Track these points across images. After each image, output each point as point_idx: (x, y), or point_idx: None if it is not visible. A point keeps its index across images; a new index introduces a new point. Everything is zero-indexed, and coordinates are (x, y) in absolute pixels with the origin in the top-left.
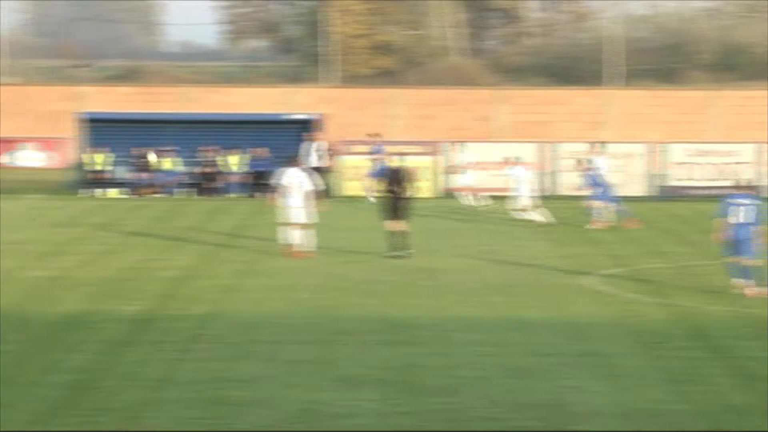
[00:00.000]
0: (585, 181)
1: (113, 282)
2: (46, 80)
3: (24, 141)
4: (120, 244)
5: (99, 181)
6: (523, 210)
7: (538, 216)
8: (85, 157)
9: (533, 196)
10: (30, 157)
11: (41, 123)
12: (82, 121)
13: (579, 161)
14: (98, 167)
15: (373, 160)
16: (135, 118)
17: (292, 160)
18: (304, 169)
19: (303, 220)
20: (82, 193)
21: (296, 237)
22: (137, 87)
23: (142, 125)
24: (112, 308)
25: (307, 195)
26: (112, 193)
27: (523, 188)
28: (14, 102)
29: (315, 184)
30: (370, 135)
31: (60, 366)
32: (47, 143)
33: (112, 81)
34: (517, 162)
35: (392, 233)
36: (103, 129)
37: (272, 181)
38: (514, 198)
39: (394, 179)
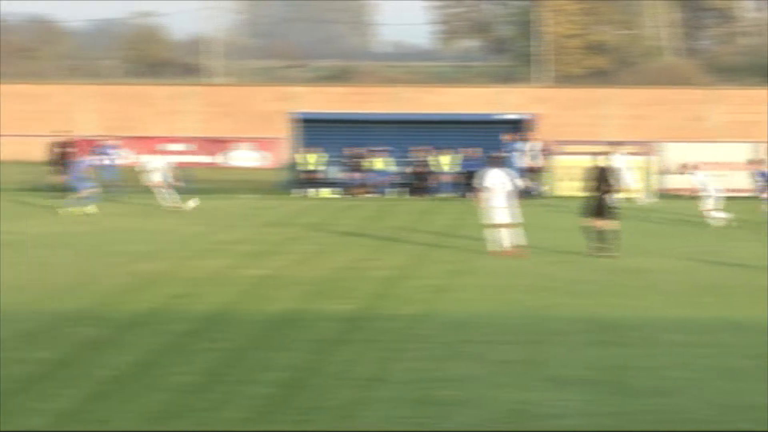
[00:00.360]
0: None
1: (325, 281)
2: (260, 81)
3: (238, 141)
4: (332, 243)
5: (312, 181)
6: (713, 210)
7: (721, 216)
8: (298, 157)
9: (717, 197)
10: (244, 157)
11: (255, 123)
12: (295, 121)
13: (752, 161)
14: (311, 167)
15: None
16: (347, 118)
17: (493, 161)
18: (505, 170)
19: (507, 220)
20: (295, 193)
21: (504, 237)
22: (349, 87)
23: (354, 125)
24: (324, 307)
25: (509, 195)
26: (325, 192)
27: (709, 190)
28: (228, 102)
29: (516, 184)
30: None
31: (272, 364)
32: (261, 143)
33: (324, 81)
34: (697, 166)
35: (596, 232)
36: (315, 129)
37: (475, 183)
38: (706, 199)
39: (601, 178)
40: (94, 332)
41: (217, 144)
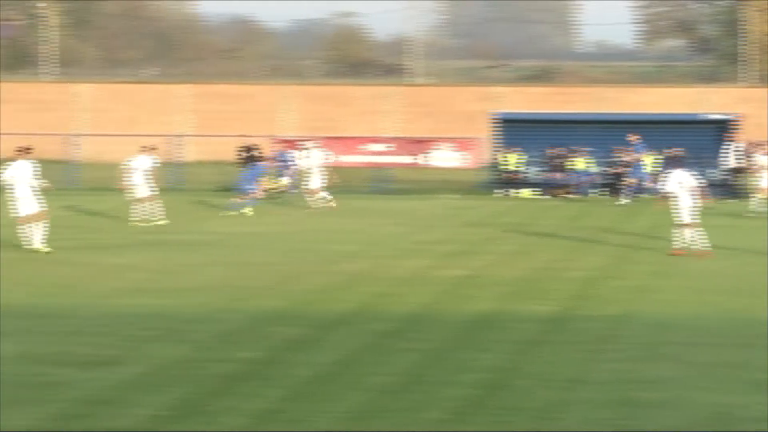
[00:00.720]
0: None
1: (524, 282)
2: (461, 81)
3: (438, 141)
4: (531, 243)
5: (512, 181)
6: None
7: None
8: (499, 158)
9: None
10: (444, 158)
11: (455, 123)
12: (497, 121)
13: None
14: (512, 167)
15: None
16: (548, 118)
17: (675, 161)
18: (687, 169)
19: (692, 219)
20: (497, 193)
21: (689, 237)
22: (551, 87)
23: (555, 125)
24: (523, 308)
25: (693, 194)
26: (525, 193)
27: None
28: (429, 103)
29: (699, 183)
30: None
31: (471, 365)
32: (461, 143)
33: (526, 81)
34: None
35: None
36: (516, 129)
37: (658, 184)
38: None
39: None
40: (294, 332)
41: (418, 144)
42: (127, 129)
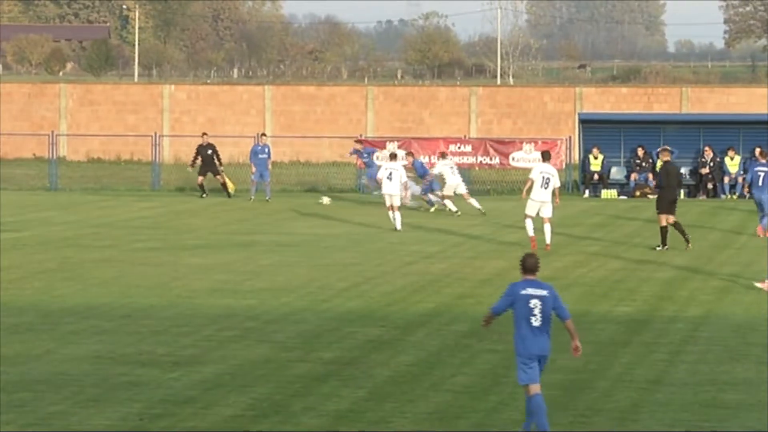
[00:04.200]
0: None
1: (607, 282)
2: (545, 81)
3: (522, 142)
4: (615, 244)
5: (597, 181)
6: None
7: None
8: (584, 158)
9: None
10: (529, 158)
11: (540, 124)
12: (581, 121)
13: None
14: (596, 168)
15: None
16: (632, 118)
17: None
18: None
19: None
20: (581, 193)
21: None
22: (636, 87)
23: (640, 126)
24: (604, 309)
25: None
26: (610, 193)
27: None
28: (513, 103)
29: None
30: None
31: (553, 366)
32: (546, 144)
33: (610, 81)
34: None
35: None
36: (601, 130)
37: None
38: None
39: None
40: (375, 332)
41: (502, 145)
42: (211, 130)
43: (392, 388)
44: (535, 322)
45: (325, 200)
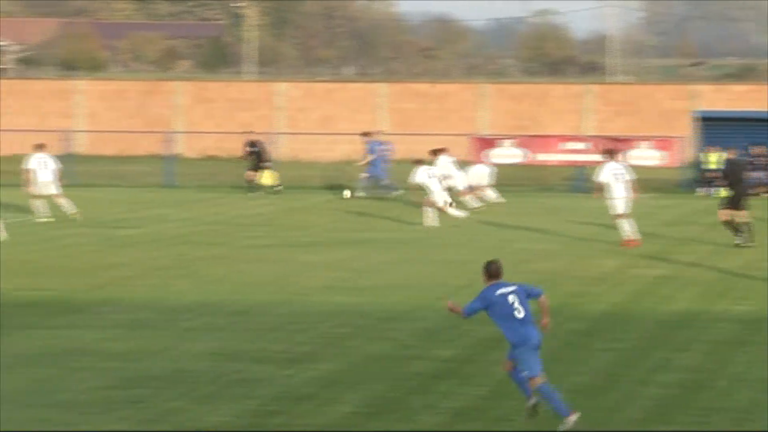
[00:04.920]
0: None
1: (724, 281)
2: (661, 79)
3: (637, 140)
4: (731, 243)
5: (713, 180)
6: None
7: None
8: (700, 156)
9: None
10: (643, 156)
11: (655, 122)
12: (697, 120)
13: None
14: (712, 166)
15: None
16: (750, 116)
17: None
18: None
19: None
20: (697, 192)
21: None
22: (752, 85)
23: (757, 124)
24: (721, 308)
25: None
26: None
27: None
28: (628, 101)
29: None
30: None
31: (670, 365)
32: (661, 142)
33: (727, 79)
34: None
35: None
36: (717, 128)
37: None
38: None
39: None
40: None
41: (616, 143)
42: (324, 128)
43: (511, 386)
44: (519, 314)
45: (347, 194)
